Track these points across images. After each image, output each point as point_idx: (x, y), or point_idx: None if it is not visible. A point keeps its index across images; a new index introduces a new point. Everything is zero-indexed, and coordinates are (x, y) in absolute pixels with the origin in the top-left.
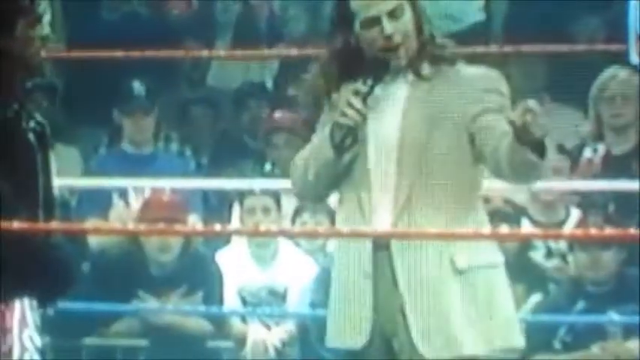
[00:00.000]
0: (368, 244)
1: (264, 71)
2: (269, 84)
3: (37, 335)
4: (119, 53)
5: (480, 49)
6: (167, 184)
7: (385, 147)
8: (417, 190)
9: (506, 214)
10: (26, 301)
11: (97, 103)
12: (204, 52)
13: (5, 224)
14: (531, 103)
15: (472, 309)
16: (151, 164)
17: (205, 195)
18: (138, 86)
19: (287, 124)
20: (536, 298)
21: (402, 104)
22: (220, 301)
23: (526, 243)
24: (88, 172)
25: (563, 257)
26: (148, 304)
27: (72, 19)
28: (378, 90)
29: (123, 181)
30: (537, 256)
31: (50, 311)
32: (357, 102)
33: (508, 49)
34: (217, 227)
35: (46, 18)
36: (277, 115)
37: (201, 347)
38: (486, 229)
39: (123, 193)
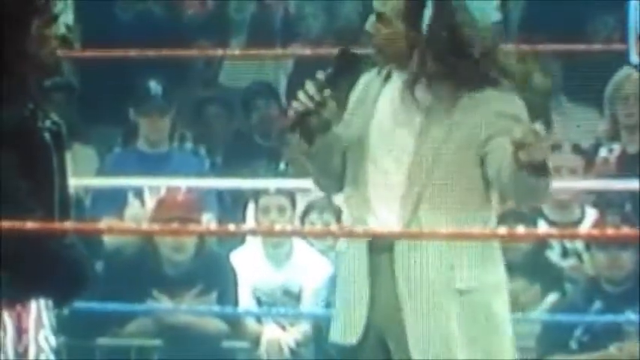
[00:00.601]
0: (364, 244)
1: (278, 70)
2: (283, 83)
3: (53, 336)
4: (134, 52)
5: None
6: (182, 183)
7: (397, 152)
8: (425, 200)
9: (521, 214)
10: (42, 301)
11: (113, 103)
12: (219, 52)
13: (19, 224)
14: (537, 125)
15: (470, 324)
16: (166, 164)
17: (220, 194)
18: (155, 86)
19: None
20: (552, 297)
21: (422, 114)
22: (235, 301)
23: (542, 243)
24: (102, 171)
25: (580, 257)
26: (162, 304)
27: (86, 18)
28: (389, 93)
29: (137, 181)
30: (554, 255)
31: (65, 311)
32: (311, 89)
33: (524, 48)
34: (232, 227)
35: (63, 18)
36: (291, 113)
37: (216, 347)
38: (500, 232)
39: (138, 193)
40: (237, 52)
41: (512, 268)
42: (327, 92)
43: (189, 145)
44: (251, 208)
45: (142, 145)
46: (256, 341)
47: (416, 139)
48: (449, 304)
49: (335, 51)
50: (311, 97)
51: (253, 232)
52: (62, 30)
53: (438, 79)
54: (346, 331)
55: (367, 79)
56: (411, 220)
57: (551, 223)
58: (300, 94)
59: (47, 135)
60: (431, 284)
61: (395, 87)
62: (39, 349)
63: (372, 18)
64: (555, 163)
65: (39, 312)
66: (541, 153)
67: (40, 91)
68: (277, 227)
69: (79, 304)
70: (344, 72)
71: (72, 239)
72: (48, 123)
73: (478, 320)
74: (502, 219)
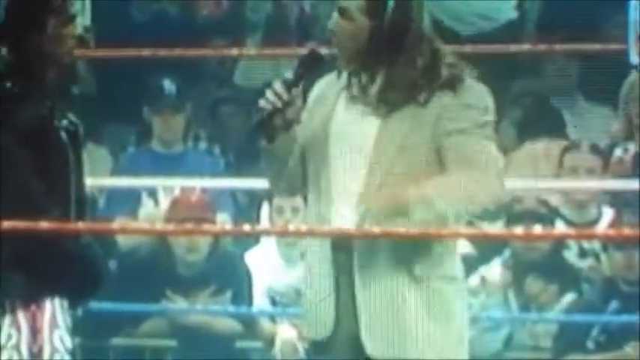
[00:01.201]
0: (327, 243)
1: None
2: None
3: (68, 336)
4: (148, 52)
5: (512, 47)
6: (196, 183)
7: (357, 150)
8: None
9: (539, 214)
10: (57, 301)
11: (127, 102)
12: (234, 51)
13: (32, 224)
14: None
15: (425, 317)
16: (180, 163)
17: (234, 194)
18: (169, 85)
19: None
20: (569, 297)
21: (380, 111)
22: (249, 301)
23: (559, 243)
24: (116, 171)
25: (597, 257)
26: (176, 304)
27: (102, 18)
28: (354, 91)
29: (151, 181)
30: (571, 255)
31: (78, 311)
32: (279, 88)
33: (541, 47)
34: (246, 227)
35: (80, 18)
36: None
37: (230, 347)
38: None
39: (152, 193)
40: (252, 51)
41: (529, 268)
42: (295, 92)
43: (203, 144)
44: (265, 208)
45: (155, 144)
46: (270, 341)
47: (375, 136)
48: (405, 297)
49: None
50: (279, 96)
51: (267, 233)
52: (79, 30)
53: (396, 75)
54: (317, 327)
55: (327, 80)
56: (365, 216)
57: (569, 223)
58: (269, 93)
59: (64, 135)
60: (386, 279)
61: (354, 86)
62: (53, 350)
63: (335, 15)
64: (573, 162)
65: (54, 312)
66: None
67: (58, 91)
68: (291, 227)
69: (93, 305)
70: (311, 72)
71: (88, 239)
72: (65, 122)
73: (434, 313)
74: (519, 219)
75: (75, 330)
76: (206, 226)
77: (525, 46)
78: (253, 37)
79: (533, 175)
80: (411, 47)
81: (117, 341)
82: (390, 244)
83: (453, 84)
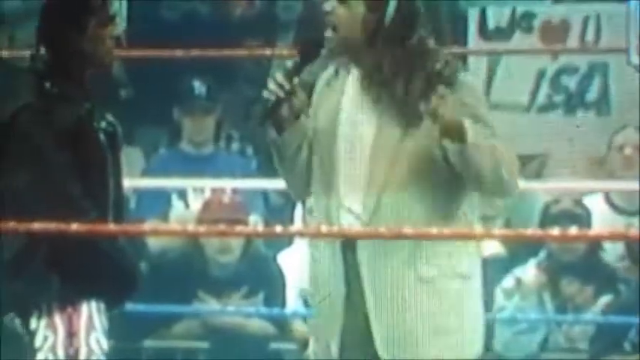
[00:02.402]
0: (338, 244)
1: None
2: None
3: (104, 338)
4: (180, 52)
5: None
6: (227, 184)
7: (359, 144)
8: (388, 190)
9: (575, 214)
10: (94, 303)
11: (159, 103)
12: (267, 51)
13: (64, 225)
14: (441, 89)
15: (438, 318)
16: (210, 164)
17: (266, 195)
18: (199, 86)
19: None
20: (606, 299)
21: (379, 108)
22: (282, 303)
23: (596, 243)
24: (147, 172)
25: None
26: (208, 305)
27: (132, 18)
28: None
29: (182, 182)
30: (608, 256)
31: (115, 313)
32: (280, 78)
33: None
34: (279, 228)
35: (119, 18)
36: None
37: (263, 349)
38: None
39: (182, 194)
40: (284, 51)
41: (566, 269)
42: (295, 80)
43: (236, 145)
44: (299, 209)
45: (185, 145)
46: (304, 343)
47: (375, 132)
48: (412, 297)
49: None
50: (281, 86)
51: (300, 234)
52: (119, 30)
53: (391, 72)
54: (326, 330)
55: (329, 73)
56: (375, 210)
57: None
58: (270, 84)
59: (103, 136)
60: (394, 278)
61: (354, 80)
62: (90, 352)
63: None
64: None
65: (90, 314)
66: (449, 112)
67: (97, 91)
68: (323, 228)
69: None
70: (309, 59)
71: (124, 241)
72: (104, 123)
73: (443, 310)
74: (554, 220)
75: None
76: (239, 228)
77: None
78: (285, 37)
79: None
80: (409, 45)
81: (149, 343)
82: (396, 243)
83: (448, 81)
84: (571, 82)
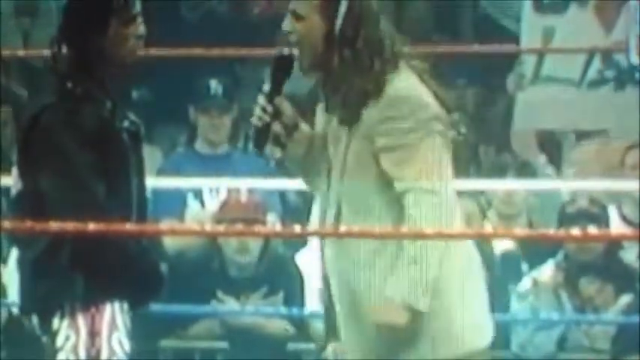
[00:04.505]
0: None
1: None
2: None
3: (127, 339)
4: (199, 51)
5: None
6: (243, 184)
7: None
8: (344, 201)
9: (592, 214)
10: (117, 304)
11: (176, 102)
12: (286, 50)
13: (81, 225)
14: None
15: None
16: (227, 164)
17: (283, 195)
18: (215, 85)
19: None
20: (626, 299)
21: (335, 119)
22: (301, 303)
23: (616, 243)
24: (162, 171)
25: None
26: (227, 305)
27: (151, 17)
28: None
29: (198, 182)
30: (628, 256)
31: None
32: (262, 101)
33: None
34: (297, 228)
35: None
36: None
37: (282, 349)
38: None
39: (197, 194)
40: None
41: (585, 269)
42: (277, 100)
43: None
44: (315, 209)
45: (201, 144)
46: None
47: (332, 144)
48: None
49: None
50: (264, 110)
51: (318, 234)
52: (142, 30)
53: (346, 82)
54: (328, 333)
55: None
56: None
57: (629, 223)
58: (256, 110)
59: (125, 135)
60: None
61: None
62: (111, 352)
63: (288, 16)
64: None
65: (113, 315)
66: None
67: (119, 91)
68: (342, 228)
69: None
70: (284, 76)
71: (147, 242)
72: (126, 123)
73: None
74: (573, 220)
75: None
76: (257, 227)
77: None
78: None
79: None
80: (358, 52)
81: (167, 343)
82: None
83: (376, 94)
84: (622, 58)
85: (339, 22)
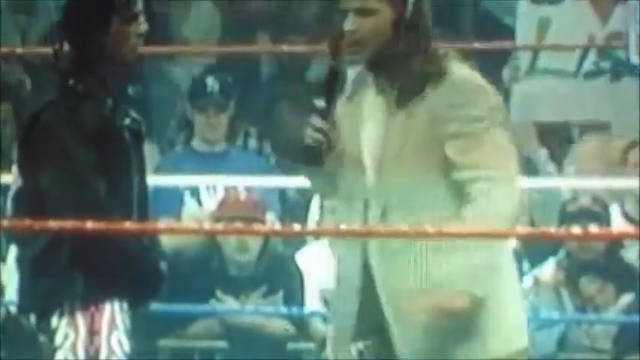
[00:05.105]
0: (359, 248)
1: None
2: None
3: (126, 338)
4: (196, 48)
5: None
6: (241, 182)
7: (364, 157)
8: (392, 205)
9: (594, 212)
10: (116, 303)
11: (174, 100)
12: (284, 47)
13: (80, 224)
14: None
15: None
16: (224, 162)
17: (283, 193)
18: (212, 82)
19: None
20: (627, 298)
21: (382, 114)
22: (301, 302)
23: (617, 242)
24: (159, 169)
25: None
26: (226, 304)
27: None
28: (354, 98)
29: (196, 180)
30: (629, 255)
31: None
32: (318, 122)
33: None
34: (297, 227)
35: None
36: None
37: (282, 349)
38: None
39: (194, 192)
40: (300, 48)
41: (586, 268)
42: (331, 118)
43: (253, 142)
44: (314, 206)
45: (198, 142)
46: (322, 342)
47: (381, 136)
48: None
49: None
50: (320, 131)
51: (319, 233)
52: (144, 28)
53: (407, 65)
54: (361, 333)
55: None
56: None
57: (631, 220)
58: (310, 131)
59: (127, 133)
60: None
61: (375, 90)
62: (110, 352)
63: (351, 15)
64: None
65: (113, 314)
66: None
67: (120, 89)
68: (343, 227)
69: None
70: (336, 91)
71: (148, 241)
72: (127, 121)
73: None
74: (575, 218)
75: None
76: (256, 226)
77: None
78: (302, 34)
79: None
80: (421, 35)
81: (166, 342)
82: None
83: (438, 76)
84: (604, 44)
85: (409, 8)
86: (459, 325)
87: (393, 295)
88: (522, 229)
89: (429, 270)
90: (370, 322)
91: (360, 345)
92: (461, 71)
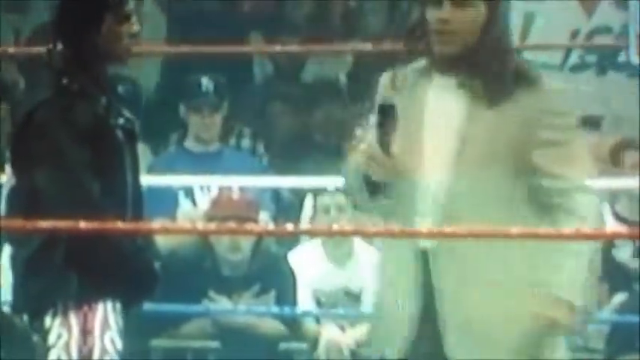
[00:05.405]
0: (412, 250)
1: (341, 67)
2: (343, 80)
3: (119, 338)
4: (186, 48)
5: None
6: (235, 182)
7: (443, 155)
8: (467, 206)
9: None
10: (109, 303)
11: (168, 100)
12: (277, 47)
13: (73, 224)
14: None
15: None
16: (218, 162)
17: (276, 193)
18: (206, 82)
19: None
20: (620, 298)
21: (463, 114)
22: (293, 302)
23: (609, 242)
24: (153, 169)
25: None
26: (219, 304)
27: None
28: (436, 91)
29: (190, 180)
30: (621, 254)
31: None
32: (380, 155)
33: None
34: (290, 227)
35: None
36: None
37: (274, 348)
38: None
39: (189, 192)
40: (294, 48)
41: None
42: (392, 150)
43: (246, 142)
44: (307, 207)
45: (191, 142)
46: (315, 342)
47: (460, 136)
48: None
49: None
50: (384, 165)
51: (311, 233)
52: (137, 28)
53: (493, 68)
54: (393, 341)
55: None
56: (452, 218)
57: (622, 220)
58: (372, 164)
59: (120, 133)
60: (471, 290)
61: (442, 87)
62: (103, 351)
63: (447, 4)
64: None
65: (106, 313)
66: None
67: (113, 88)
68: (335, 227)
69: None
70: (394, 122)
71: (142, 241)
72: (121, 120)
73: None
74: None
75: None
76: (249, 226)
77: None
78: (294, 34)
79: None
80: (506, 35)
81: (159, 342)
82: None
83: (532, 85)
84: (604, 43)
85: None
86: (558, 334)
87: (455, 299)
88: (515, 229)
89: (511, 274)
90: (425, 328)
91: (353, 344)
92: (549, 78)
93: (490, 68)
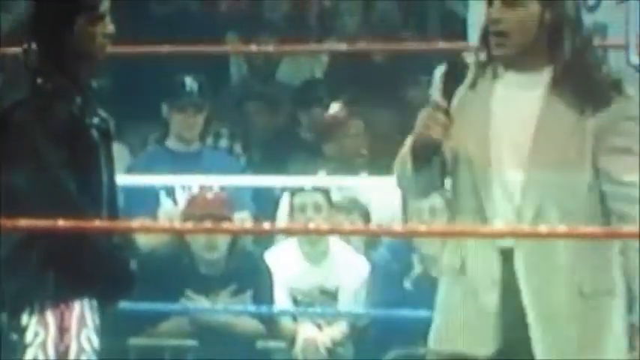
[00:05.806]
0: (496, 252)
1: (316, 66)
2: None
3: (96, 336)
4: (168, 48)
5: None
6: (215, 181)
7: (515, 152)
8: (547, 204)
9: None
10: (86, 301)
11: (148, 99)
12: (253, 47)
13: (51, 222)
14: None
15: (587, 328)
16: (197, 162)
17: (255, 192)
18: (190, 82)
19: (341, 119)
20: None
21: (536, 112)
22: (270, 301)
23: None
24: (133, 169)
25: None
26: (196, 303)
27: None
28: (508, 90)
29: (170, 179)
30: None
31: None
32: (441, 117)
33: None
34: (266, 225)
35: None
36: (332, 110)
37: (251, 347)
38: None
39: (170, 192)
40: (270, 48)
41: None
42: (452, 115)
43: (224, 142)
44: (283, 205)
45: (173, 142)
46: (292, 341)
47: (535, 137)
48: (572, 310)
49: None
50: (443, 125)
51: (288, 231)
52: (111, 28)
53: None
54: (476, 342)
55: (467, 85)
56: (534, 218)
57: None
58: (432, 124)
59: (95, 132)
60: (556, 289)
61: (509, 84)
62: (80, 349)
63: (497, 3)
64: None
65: (82, 312)
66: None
67: (88, 88)
68: (312, 225)
69: None
70: (456, 83)
71: (119, 239)
72: (96, 120)
73: (594, 325)
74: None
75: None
76: (225, 225)
77: None
78: (271, 34)
79: None
80: (574, 42)
81: (136, 341)
82: (551, 250)
83: (615, 89)
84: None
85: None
86: None
87: (540, 311)
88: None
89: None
90: (509, 320)
91: (329, 342)
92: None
93: (572, 70)
